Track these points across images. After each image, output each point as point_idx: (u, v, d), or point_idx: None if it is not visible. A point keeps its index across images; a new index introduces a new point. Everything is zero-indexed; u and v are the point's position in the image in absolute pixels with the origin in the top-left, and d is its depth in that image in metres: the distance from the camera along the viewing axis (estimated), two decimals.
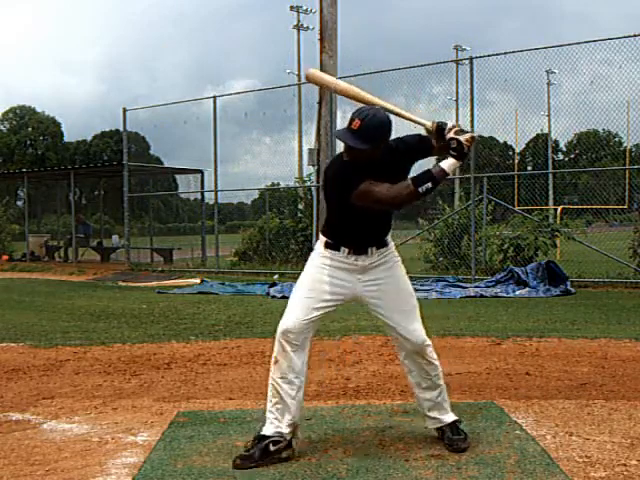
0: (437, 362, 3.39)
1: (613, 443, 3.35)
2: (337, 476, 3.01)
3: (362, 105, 3.22)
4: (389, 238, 3.44)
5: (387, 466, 3.10)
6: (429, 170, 3.12)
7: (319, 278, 3.32)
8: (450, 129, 3.15)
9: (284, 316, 3.31)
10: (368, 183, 3.11)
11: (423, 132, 3.29)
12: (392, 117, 3.21)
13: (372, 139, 3.09)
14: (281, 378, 3.27)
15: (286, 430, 3.23)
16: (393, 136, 3.25)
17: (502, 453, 3.23)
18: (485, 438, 3.44)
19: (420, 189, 3.08)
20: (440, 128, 3.18)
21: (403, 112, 3.30)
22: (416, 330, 3.33)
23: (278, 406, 3.27)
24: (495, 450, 3.27)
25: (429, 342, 3.37)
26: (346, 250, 3.32)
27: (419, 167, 3.38)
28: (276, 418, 3.26)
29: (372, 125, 3.09)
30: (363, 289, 3.34)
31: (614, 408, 3.98)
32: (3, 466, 3.22)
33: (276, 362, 3.30)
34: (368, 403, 4.23)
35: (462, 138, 3.10)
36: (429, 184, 3.09)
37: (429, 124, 3.23)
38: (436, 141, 3.23)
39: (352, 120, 3.12)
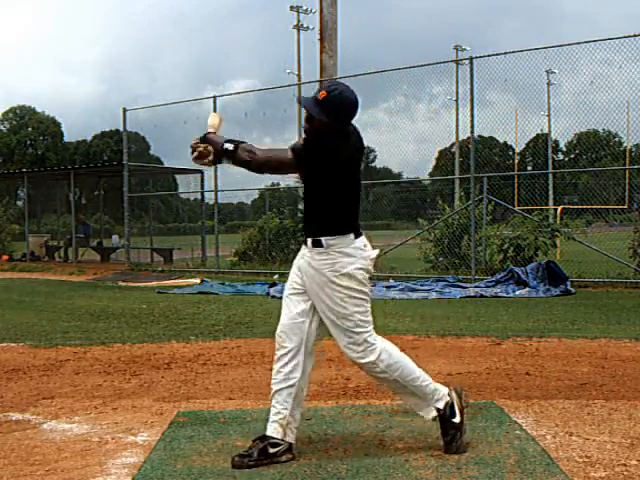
0: (387, 372, 3.21)
1: (613, 443, 3.35)
2: (337, 476, 3.01)
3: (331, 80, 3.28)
4: (331, 241, 3.15)
5: (387, 466, 3.10)
6: (242, 142, 3.21)
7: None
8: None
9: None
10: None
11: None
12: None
13: (333, 113, 3.10)
14: (285, 379, 3.30)
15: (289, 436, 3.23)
16: None
17: (502, 453, 3.23)
18: (485, 438, 3.43)
19: (226, 145, 3.21)
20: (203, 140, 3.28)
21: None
22: (346, 349, 3.22)
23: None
24: (495, 450, 3.27)
25: (366, 360, 3.19)
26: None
27: None
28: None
29: (336, 99, 3.11)
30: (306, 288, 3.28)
31: (614, 408, 3.98)
32: (3, 466, 3.22)
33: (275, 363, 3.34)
34: (368, 403, 4.23)
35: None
36: (231, 146, 3.18)
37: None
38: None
39: (319, 90, 3.17)
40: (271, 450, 3.19)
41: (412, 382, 3.26)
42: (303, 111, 3.23)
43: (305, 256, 3.26)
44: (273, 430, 3.23)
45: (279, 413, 3.25)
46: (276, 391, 3.28)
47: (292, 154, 3.17)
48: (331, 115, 3.10)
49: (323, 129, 3.14)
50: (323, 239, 3.16)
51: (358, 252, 3.17)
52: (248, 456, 3.17)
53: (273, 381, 3.30)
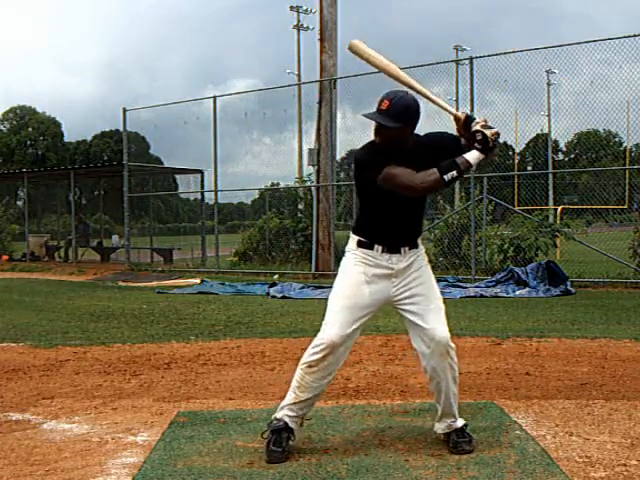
0: (457, 367, 3.36)
1: (613, 443, 3.35)
2: (337, 476, 3.01)
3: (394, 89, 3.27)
4: (419, 241, 3.45)
5: (387, 466, 3.10)
6: (454, 160, 3.14)
7: (357, 282, 3.31)
8: (477, 122, 3.17)
9: (327, 325, 3.29)
10: (394, 166, 3.17)
11: (451, 118, 3.29)
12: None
13: (401, 118, 3.16)
14: (320, 379, 3.29)
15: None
16: (426, 129, 3.35)
17: (502, 453, 3.23)
18: (485, 438, 3.44)
19: (445, 177, 3.11)
20: (469, 119, 3.21)
21: (436, 98, 3.34)
22: (443, 331, 3.30)
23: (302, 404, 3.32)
24: (495, 450, 3.27)
25: (453, 345, 3.33)
26: (379, 248, 3.31)
27: None
28: (297, 416, 3.31)
29: (400, 105, 3.18)
30: (395, 292, 3.33)
31: (614, 408, 3.98)
32: (3, 466, 3.22)
33: (310, 367, 3.28)
34: (368, 403, 4.23)
35: (488, 132, 3.12)
36: (454, 172, 3.11)
37: (459, 114, 3.25)
38: (462, 132, 3.25)
39: (381, 101, 3.20)
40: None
41: (456, 384, 3.37)
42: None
43: (399, 262, 3.32)
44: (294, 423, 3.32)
45: (303, 409, 3.35)
46: (311, 393, 3.32)
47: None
48: (400, 120, 3.17)
49: (400, 137, 3.21)
50: (419, 241, 3.47)
51: None
52: (283, 451, 3.23)
53: (311, 382, 3.29)
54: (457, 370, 3.36)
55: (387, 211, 3.31)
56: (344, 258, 3.44)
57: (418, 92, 3.30)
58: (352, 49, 3.49)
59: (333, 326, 3.26)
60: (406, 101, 3.21)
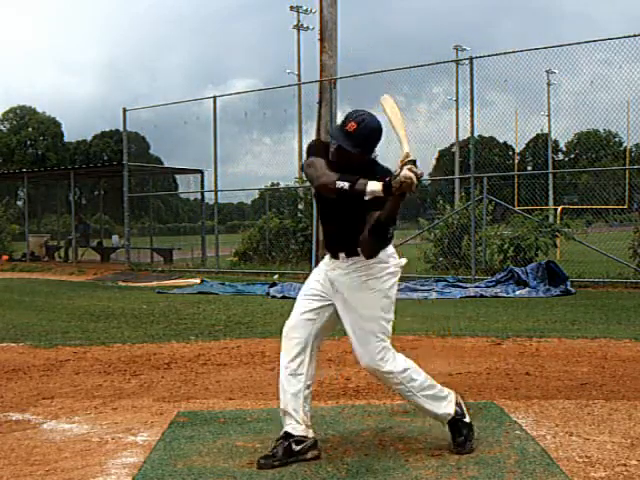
0: (405, 382, 3.22)
1: (613, 443, 3.35)
2: (337, 476, 3.01)
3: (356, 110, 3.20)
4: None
5: (387, 466, 3.10)
6: (359, 177, 3.00)
7: (310, 276, 3.45)
8: (408, 167, 2.93)
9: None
10: (319, 158, 3.18)
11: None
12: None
13: (364, 144, 3.14)
14: (292, 376, 3.30)
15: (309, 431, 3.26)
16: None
17: (502, 453, 3.23)
18: (485, 438, 3.44)
19: (338, 183, 2.99)
20: (408, 161, 2.99)
21: (399, 130, 3.18)
22: (364, 358, 3.21)
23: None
24: (495, 450, 3.27)
25: (385, 368, 3.18)
26: (328, 253, 3.37)
27: None
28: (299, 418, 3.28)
29: (367, 130, 3.13)
30: (335, 298, 3.31)
31: (614, 408, 3.98)
32: (3, 466, 3.22)
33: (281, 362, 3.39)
34: (368, 403, 4.23)
35: (401, 176, 2.90)
36: (346, 184, 2.97)
37: (406, 153, 3.02)
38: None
39: (348, 121, 3.14)
40: (296, 448, 3.19)
41: (426, 390, 3.28)
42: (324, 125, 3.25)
43: (336, 268, 3.30)
44: (293, 428, 3.22)
45: (295, 411, 3.24)
46: (286, 390, 3.26)
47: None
48: (362, 146, 3.14)
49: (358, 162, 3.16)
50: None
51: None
52: (272, 456, 3.16)
53: (283, 379, 3.28)
54: (407, 383, 3.22)
55: (323, 212, 3.39)
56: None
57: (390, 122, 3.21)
58: (383, 104, 3.30)
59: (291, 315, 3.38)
60: (372, 127, 3.14)
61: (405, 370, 3.22)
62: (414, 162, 2.95)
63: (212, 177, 16.08)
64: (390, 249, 3.30)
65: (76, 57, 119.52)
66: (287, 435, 3.22)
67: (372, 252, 3.22)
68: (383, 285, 3.23)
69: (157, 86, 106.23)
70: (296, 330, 3.31)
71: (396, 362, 3.22)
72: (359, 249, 3.23)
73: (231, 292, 11.67)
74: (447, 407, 3.32)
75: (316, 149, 3.33)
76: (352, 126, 3.12)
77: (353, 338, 3.25)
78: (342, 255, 3.27)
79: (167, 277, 14.72)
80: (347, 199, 3.04)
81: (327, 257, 3.39)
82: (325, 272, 3.35)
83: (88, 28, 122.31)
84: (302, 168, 3.32)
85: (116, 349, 6.22)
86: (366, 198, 2.96)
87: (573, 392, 4.40)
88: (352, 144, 3.12)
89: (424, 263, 13.83)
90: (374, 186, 2.95)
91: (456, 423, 3.31)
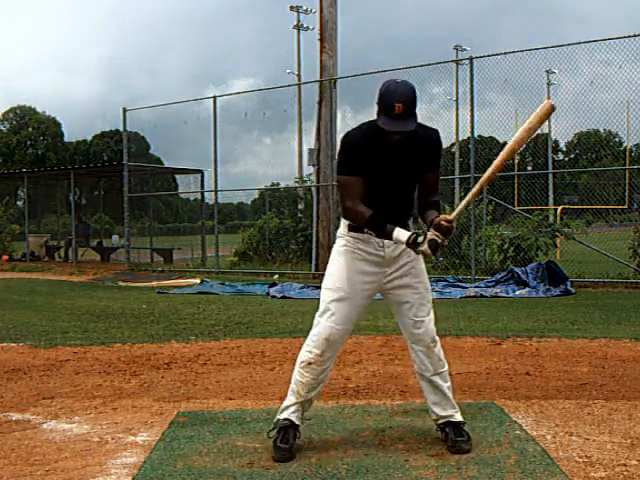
0: (445, 361, 3.39)
1: (613, 443, 3.34)
2: (337, 476, 3.01)
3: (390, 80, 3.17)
4: (412, 224, 3.37)
5: (387, 466, 3.10)
6: (387, 225, 3.13)
7: (348, 273, 3.26)
8: (438, 236, 3.06)
9: (322, 319, 3.27)
10: (355, 179, 3.18)
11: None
12: None
13: (414, 113, 3.11)
14: (318, 375, 3.31)
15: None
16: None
17: (502, 453, 3.23)
18: (485, 438, 3.43)
19: (367, 225, 3.19)
20: (442, 231, 3.09)
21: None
22: (428, 324, 3.32)
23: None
24: (495, 450, 3.27)
25: (437, 339, 3.37)
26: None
27: None
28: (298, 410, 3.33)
29: (409, 100, 3.09)
30: (386, 281, 3.30)
31: (614, 408, 3.98)
32: (3, 466, 3.22)
33: (309, 364, 3.29)
34: (368, 403, 4.23)
35: (423, 248, 3.08)
36: (373, 229, 3.17)
37: (448, 220, 3.11)
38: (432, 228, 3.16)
39: (393, 106, 3.05)
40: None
41: (448, 377, 3.40)
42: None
43: (389, 247, 3.25)
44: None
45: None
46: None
47: None
48: (415, 115, 3.12)
49: None
50: (410, 224, 3.39)
51: None
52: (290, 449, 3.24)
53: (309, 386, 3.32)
54: (445, 364, 3.39)
55: (374, 191, 3.23)
56: (335, 244, 3.39)
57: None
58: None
59: (328, 320, 3.25)
60: (410, 92, 3.10)
61: None
62: (448, 231, 3.07)
63: (212, 177, 16.10)
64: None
65: (76, 57, 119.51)
66: (294, 425, 3.31)
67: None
68: (422, 260, 3.38)
69: (157, 86, 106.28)
70: (340, 339, 3.29)
71: None
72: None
73: (231, 292, 11.67)
74: (457, 410, 3.40)
75: (358, 152, 3.19)
76: (400, 108, 3.05)
77: (423, 309, 3.31)
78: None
79: (167, 277, 14.72)
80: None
81: (364, 241, 3.26)
82: (369, 263, 3.26)
83: (88, 28, 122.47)
84: (337, 163, 3.33)
85: (116, 349, 6.22)
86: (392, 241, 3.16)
87: (573, 392, 4.40)
88: (411, 121, 3.09)
89: (424, 262, 13.81)
90: (400, 235, 3.10)
91: (461, 423, 3.35)
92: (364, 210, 3.16)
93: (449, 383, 3.40)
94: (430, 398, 3.39)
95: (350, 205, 3.20)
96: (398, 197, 3.28)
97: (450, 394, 3.38)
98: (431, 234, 3.06)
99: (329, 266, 3.36)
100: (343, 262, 3.29)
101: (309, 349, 3.29)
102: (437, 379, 3.35)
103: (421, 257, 3.33)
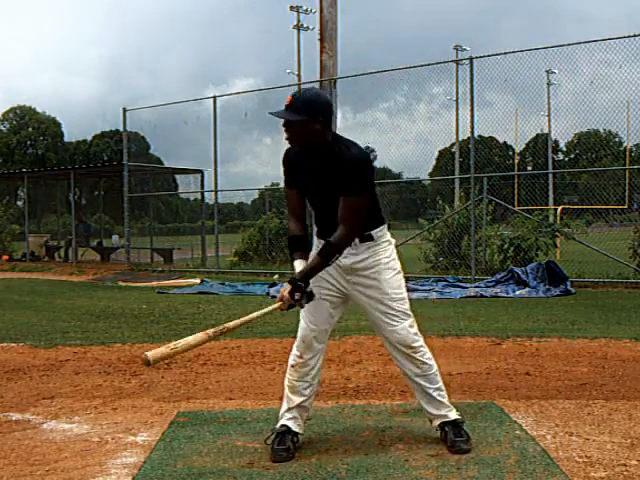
0: (430, 362, 3.33)
1: (613, 443, 3.34)
2: (337, 476, 3.01)
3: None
4: (379, 233, 3.31)
5: (387, 466, 3.10)
6: (293, 253, 3.31)
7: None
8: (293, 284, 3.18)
9: (300, 323, 3.38)
10: (290, 192, 3.36)
11: None
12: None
13: (303, 111, 3.13)
14: (304, 376, 3.35)
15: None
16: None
17: (502, 453, 3.23)
18: (485, 438, 3.43)
19: (290, 241, 3.37)
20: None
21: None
22: (402, 332, 3.27)
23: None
24: (495, 450, 3.27)
25: (418, 343, 3.30)
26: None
27: None
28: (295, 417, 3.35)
29: (303, 98, 3.19)
30: (351, 289, 3.33)
31: (614, 408, 3.98)
32: (3, 466, 3.22)
33: (292, 367, 3.37)
34: (368, 403, 4.23)
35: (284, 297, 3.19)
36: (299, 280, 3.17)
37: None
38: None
39: (285, 100, 3.21)
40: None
41: (439, 380, 3.38)
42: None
43: (349, 256, 3.26)
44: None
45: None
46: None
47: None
48: (305, 112, 3.13)
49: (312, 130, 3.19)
50: (374, 234, 3.31)
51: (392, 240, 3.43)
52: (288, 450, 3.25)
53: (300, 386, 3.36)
54: (433, 364, 3.34)
55: (320, 205, 3.34)
56: None
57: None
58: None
59: (302, 321, 3.36)
60: (309, 94, 3.25)
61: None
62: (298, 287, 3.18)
63: (212, 177, 16.10)
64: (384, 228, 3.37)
65: (76, 57, 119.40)
66: (291, 431, 3.32)
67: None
68: (397, 264, 3.36)
69: (157, 86, 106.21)
70: (315, 341, 3.33)
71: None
72: (370, 232, 3.27)
73: (231, 292, 11.67)
74: (452, 409, 3.38)
75: (290, 168, 3.38)
76: (288, 99, 3.19)
77: (385, 319, 3.28)
78: (355, 241, 3.26)
79: (167, 277, 14.72)
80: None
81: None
82: (333, 267, 3.27)
83: (88, 28, 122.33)
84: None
85: (116, 349, 6.22)
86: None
87: (573, 392, 4.40)
88: (293, 113, 3.14)
89: (424, 263, 13.83)
90: (295, 268, 3.24)
91: (460, 423, 3.34)
92: (291, 227, 3.33)
93: (438, 384, 3.35)
94: (419, 398, 3.39)
95: (288, 217, 3.36)
96: (332, 212, 3.23)
97: (439, 395, 3.34)
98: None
99: None
100: None
101: (293, 352, 3.40)
102: (421, 381, 3.32)
103: (388, 265, 3.32)
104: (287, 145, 3.35)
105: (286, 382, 3.38)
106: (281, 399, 3.45)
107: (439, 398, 3.36)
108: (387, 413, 3.96)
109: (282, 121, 3.19)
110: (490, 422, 3.72)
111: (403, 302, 3.33)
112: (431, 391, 3.34)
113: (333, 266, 3.26)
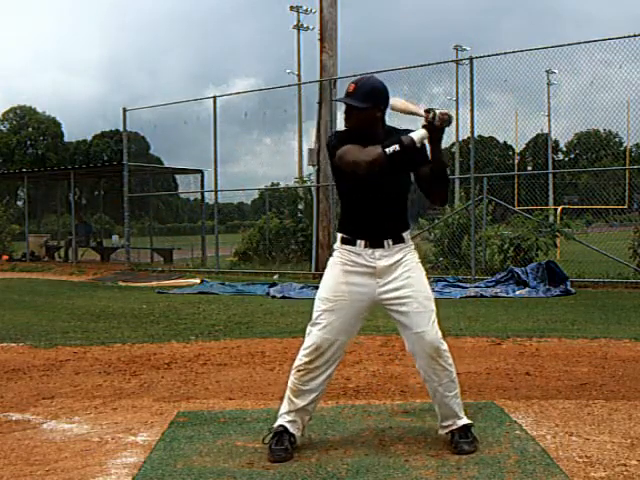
0: (452, 367, 3.32)
1: (613, 443, 3.34)
2: (337, 476, 3.01)
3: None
4: (407, 235, 3.37)
5: (387, 466, 3.10)
6: (399, 136, 3.14)
7: (338, 285, 3.28)
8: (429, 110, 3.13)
9: (314, 328, 3.29)
10: (348, 145, 3.19)
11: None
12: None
13: (367, 98, 3.21)
14: (310, 381, 3.30)
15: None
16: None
17: (502, 453, 3.23)
18: (485, 438, 3.43)
19: (387, 150, 3.08)
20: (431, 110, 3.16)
21: (409, 107, 3.27)
22: (431, 333, 3.27)
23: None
24: (495, 450, 3.27)
25: (445, 347, 3.31)
26: (362, 243, 3.28)
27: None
28: (295, 421, 3.32)
29: (367, 86, 3.25)
30: (381, 292, 3.29)
31: (614, 408, 3.98)
32: (3, 466, 3.22)
33: (299, 371, 3.30)
34: (368, 403, 4.23)
35: (438, 111, 3.11)
36: (396, 146, 3.08)
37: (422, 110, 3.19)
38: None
39: (348, 86, 3.27)
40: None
41: (457, 386, 3.36)
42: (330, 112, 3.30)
43: (382, 258, 3.27)
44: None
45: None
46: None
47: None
48: (368, 101, 3.20)
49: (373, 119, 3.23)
50: (405, 235, 3.36)
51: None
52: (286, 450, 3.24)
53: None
54: (454, 371, 3.33)
55: (363, 202, 3.29)
56: (331, 256, 3.43)
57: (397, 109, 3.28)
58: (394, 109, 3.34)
59: (319, 330, 3.27)
60: (372, 82, 3.29)
61: None
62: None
63: (212, 177, 16.09)
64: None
65: (76, 57, 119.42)
66: (288, 432, 3.31)
67: (446, 197, 3.37)
68: (421, 269, 3.39)
69: (157, 86, 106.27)
70: (332, 348, 3.27)
71: None
72: (402, 234, 3.31)
73: (231, 292, 11.67)
74: (463, 417, 3.37)
75: (338, 140, 3.30)
76: (352, 87, 3.25)
77: (416, 318, 3.26)
78: (389, 242, 3.29)
79: (167, 277, 14.72)
80: (396, 168, 3.16)
81: (356, 253, 3.29)
82: (361, 275, 3.27)
83: (88, 28, 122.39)
84: (333, 161, 3.27)
85: (116, 349, 6.22)
86: (418, 146, 3.10)
87: (573, 392, 4.40)
88: (358, 101, 3.19)
89: (424, 263, 13.80)
90: (419, 133, 3.13)
91: (469, 425, 3.34)
92: (371, 148, 3.14)
93: (456, 391, 3.33)
94: (435, 402, 3.37)
95: (361, 156, 3.13)
96: (387, 202, 3.31)
97: (455, 403, 3.32)
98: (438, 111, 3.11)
99: (323, 277, 3.40)
100: (335, 274, 3.33)
101: (300, 356, 3.31)
102: (441, 389, 3.29)
103: (418, 266, 3.35)
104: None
105: (290, 384, 3.32)
106: (281, 399, 3.44)
107: (455, 407, 3.32)
108: (387, 413, 3.96)
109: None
110: (490, 422, 3.72)
111: (432, 303, 3.35)
112: (448, 399, 3.31)
113: (365, 272, 3.27)
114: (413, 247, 3.40)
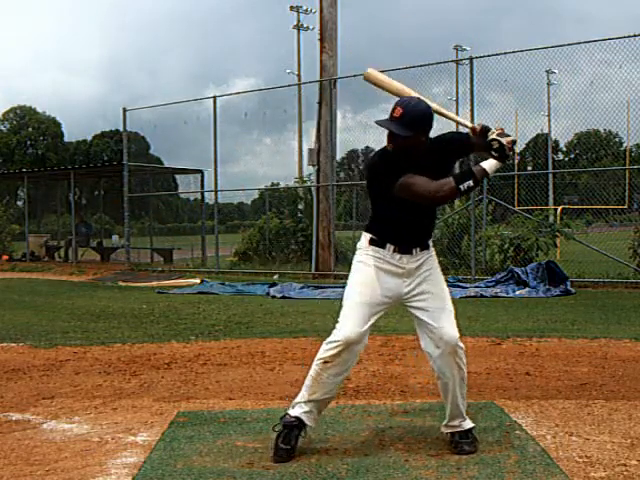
0: (465, 368, 3.36)
1: (613, 443, 3.35)
2: (337, 476, 3.01)
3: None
4: (430, 242, 3.47)
5: (387, 466, 3.10)
6: (470, 168, 3.21)
7: (370, 280, 3.33)
8: (493, 131, 3.22)
9: (343, 321, 3.31)
10: (410, 175, 3.18)
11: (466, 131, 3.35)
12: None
13: (414, 126, 3.16)
14: (335, 376, 3.31)
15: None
16: (435, 133, 3.36)
17: (502, 453, 3.23)
18: (485, 438, 3.44)
19: (461, 186, 3.16)
20: (485, 129, 3.26)
21: (449, 113, 3.43)
22: (452, 330, 3.30)
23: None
24: (495, 450, 3.27)
25: (462, 345, 3.34)
26: (391, 248, 3.33)
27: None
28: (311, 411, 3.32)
29: (414, 113, 3.18)
30: (407, 290, 3.35)
31: (614, 408, 3.98)
32: (3, 466, 3.22)
33: (326, 362, 3.28)
34: (368, 403, 4.23)
35: (504, 140, 3.17)
36: (470, 182, 3.16)
37: (475, 126, 3.31)
38: (478, 142, 3.30)
39: (394, 109, 3.19)
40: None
41: (465, 387, 3.38)
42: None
43: (409, 262, 3.34)
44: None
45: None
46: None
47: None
48: (413, 129, 3.17)
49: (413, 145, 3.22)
50: (429, 242, 3.49)
51: None
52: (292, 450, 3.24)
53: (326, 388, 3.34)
54: (465, 371, 3.36)
55: (400, 214, 3.31)
56: (356, 255, 3.45)
57: (433, 109, 3.32)
58: (367, 79, 3.46)
59: (348, 322, 3.29)
60: (419, 109, 3.21)
61: None
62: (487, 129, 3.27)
63: (212, 177, 16.09)
64: None
65: (76, 57, 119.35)
66: (301, 423, 3.32)
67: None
68: (440, 272, 3.49)
69: (157, 86, 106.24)
70: (359, 341, 3.31)
71: None
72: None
73: (231, 292, 11.67)
74: (466, 419, 3.39)
75: (384, 162, 3.27)
76: (398, 111, 3.18)
77: (439, 314, 3.31)
78: (416, 250, 3.36)
79: (167, 277, 14.72)
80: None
81: (383, 253, 3.33)
82: (388, 274, 3.32)
83: (88, 28, 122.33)
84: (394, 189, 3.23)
85: (116, 349, 6.22)
86: (490, 177, 3.26)
87: (573, 392, 4.40)
88: (403, 128, 3.15)
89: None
90: (492, 164, 3.23)
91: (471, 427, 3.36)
92: (443, 182, 3.18)
93: (464, 392, 3.37)
94: (446, 401, 3.38)
95: (431, 191, 3.18)
96: (421, 215, 3.37)
97: (462, 404, 3.35)
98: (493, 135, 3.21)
99: (351, 275, 3.42)
100: (365, 272, 3.36)
101: (327, 347, 3.30)
102: (453, 387, 3.31)
103: (439, 269, 3.45)
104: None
105: (314, 375, 3.30)
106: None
107: (462, 407, 3.36)
108: (387, 413, 3.96)
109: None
110: (490, 422, 3.72)
111: (451, 303, 3.40)
112: (457, 399, 3.33)
113: (396, 272, 3.33)
114: (434, 252, 3.49)
